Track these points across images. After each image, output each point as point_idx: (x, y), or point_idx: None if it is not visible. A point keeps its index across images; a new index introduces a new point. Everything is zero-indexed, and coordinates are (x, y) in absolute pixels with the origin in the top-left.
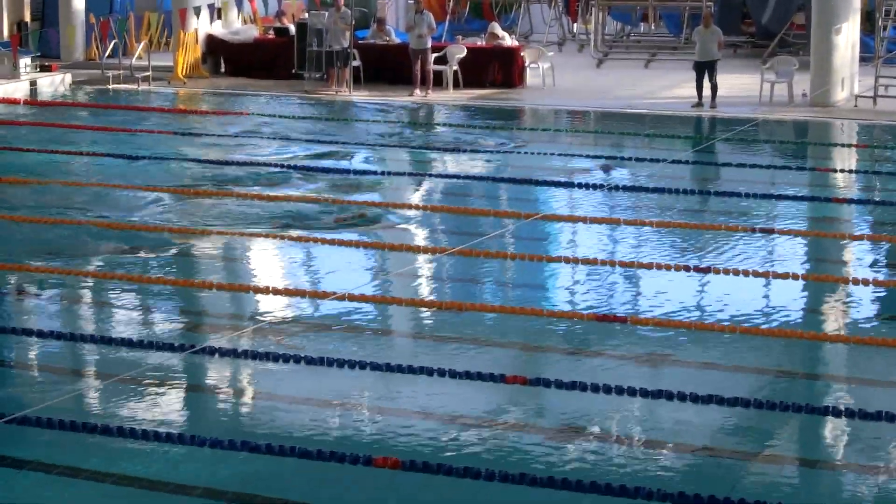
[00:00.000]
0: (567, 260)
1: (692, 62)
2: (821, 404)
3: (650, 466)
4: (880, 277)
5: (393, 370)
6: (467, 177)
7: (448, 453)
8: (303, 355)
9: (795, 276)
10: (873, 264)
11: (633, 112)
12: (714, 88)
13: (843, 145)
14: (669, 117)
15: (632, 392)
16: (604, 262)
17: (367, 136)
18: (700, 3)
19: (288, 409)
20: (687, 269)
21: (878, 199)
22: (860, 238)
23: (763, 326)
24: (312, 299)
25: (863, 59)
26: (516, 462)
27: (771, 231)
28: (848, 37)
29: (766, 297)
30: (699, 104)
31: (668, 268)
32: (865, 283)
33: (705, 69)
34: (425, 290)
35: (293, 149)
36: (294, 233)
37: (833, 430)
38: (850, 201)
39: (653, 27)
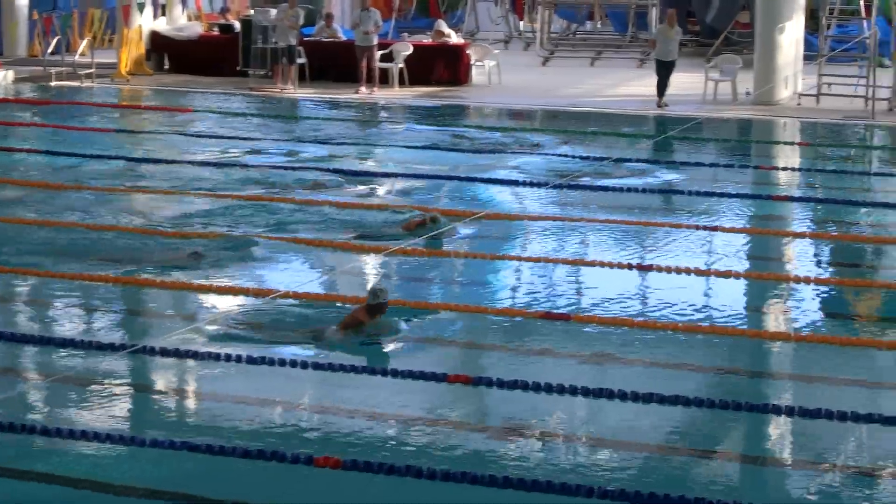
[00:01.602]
0: (511, 258)
1: (655, 61)
2: (764, 402)
3: (594, 465)
4: (822, 275)
5: (335, 369)
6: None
7: (390, 452)
8: (245, 355)
9: (738, 275)
10: (815, 262)
11: (579, 110)
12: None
13: (785, 143)
14: (615, 115)
15: (574, 391)
16: (548, 260)
17: (313, 132)
18: (646, 2)
19: (230, 409)
20: (630, 266)
21: (820, 197)
22: (802, 236)
23: (706, 324)
24: (256, 297)
25: (807, 58)
26: (459, 461)
27: (714, 229)
28: (792, 35)
29: (709, 295)
30: (664, 104)
31: (611, 265)
32: (807, 280)
33: (667, 68)
34: (369, 287)
35: (263, 145)
36: (244, 231)
37: (777, 428)
38: (792, 199)
39: (599, 25)
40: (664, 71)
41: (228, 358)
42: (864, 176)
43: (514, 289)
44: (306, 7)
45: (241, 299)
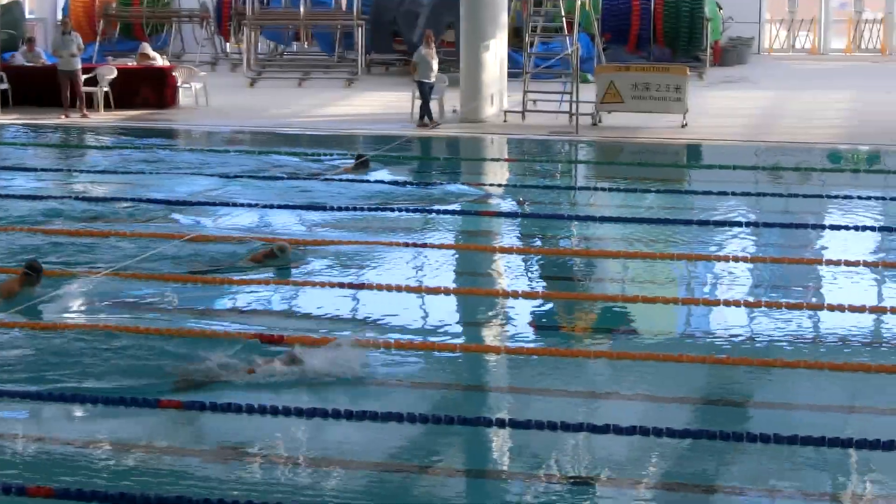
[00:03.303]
0: (225, 282)
1: (416, 83)
2: (478, 415)
3: (316, 485)
4: (530, 289)
5: (44, 398)
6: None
7: (104, 479)
8: None
9: (447, 291)
10: (524, 276)
11: (287, 131)
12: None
13: (492, 159)
14: (323, 136)
15: (287, 412)
16: (259, 282)
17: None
18: (351, 22)
19: None
20: (342, 285)
21: (527, 212)
22: (510, 251)
23: (418, 341)
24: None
25: (512, 75)
26: (173, 485)
27: (422, 245)
28: (496, 53)
29: (420, 311)
30: (431, 124)
31: (322, 285)
32: (515, 295)
33: (429, 89)
34: (83, 313)
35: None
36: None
37: (492, 440)
38: (499, 214)
39: (306, 45)
40: (427, 92)
41: None
42: (569, 190)
43: (232, 311)
44: (6, 32)
45: None
